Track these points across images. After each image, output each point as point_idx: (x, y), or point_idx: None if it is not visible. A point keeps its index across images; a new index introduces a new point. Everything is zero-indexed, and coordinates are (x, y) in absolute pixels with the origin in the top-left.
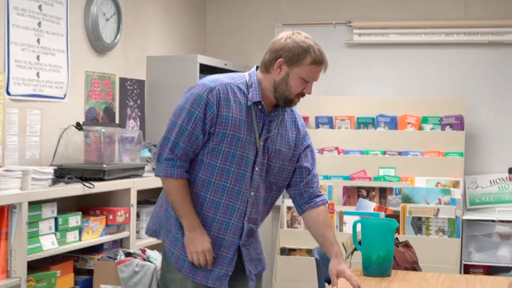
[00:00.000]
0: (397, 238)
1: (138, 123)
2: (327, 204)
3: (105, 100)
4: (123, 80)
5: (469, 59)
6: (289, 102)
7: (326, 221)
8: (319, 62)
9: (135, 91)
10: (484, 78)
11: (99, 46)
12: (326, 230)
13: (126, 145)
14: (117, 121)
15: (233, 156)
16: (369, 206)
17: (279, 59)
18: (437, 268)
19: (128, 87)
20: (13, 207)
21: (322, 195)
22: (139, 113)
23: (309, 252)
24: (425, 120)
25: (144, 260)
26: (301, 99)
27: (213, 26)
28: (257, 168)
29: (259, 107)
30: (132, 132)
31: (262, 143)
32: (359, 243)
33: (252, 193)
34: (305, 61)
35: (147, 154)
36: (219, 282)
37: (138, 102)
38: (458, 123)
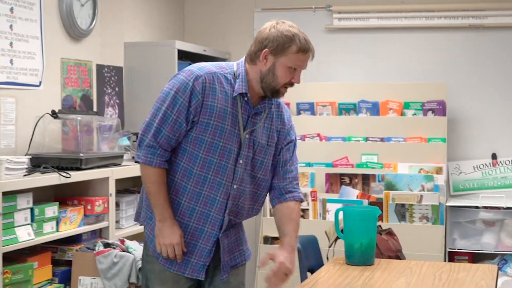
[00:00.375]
0: (380, 226)
1: (117, 111)
2: (298, 201)
3: (82, 87)
4: (100, 67)
5: (450, 43)
6: (276, 92)
7: (289, 215)
8: (304, 50)
9: (113, 78)
10: (465, 62)
11: (75, 32)
12: (286, 222)
13: (105, 133)
14: (95, 109)
15: (216, 147)
16: (352, 193)
17: (264, 50)
18: (421, 255)
19: (105, 74)
20: None
21: (295, 191)
22: (117, 101)
23: None
24: (407, 105)
25: (123, 250)
26: None
27: (191, 11)
28: (241, 161)
29: (245, 99)
30: (111, 120)
31: (247, 136)
32: (342, 231)
33: (235, 186)
34: (290, 50)
35: (126, 142)
36: (197, 273)
37: (116, 89)
38: (440, 108)
